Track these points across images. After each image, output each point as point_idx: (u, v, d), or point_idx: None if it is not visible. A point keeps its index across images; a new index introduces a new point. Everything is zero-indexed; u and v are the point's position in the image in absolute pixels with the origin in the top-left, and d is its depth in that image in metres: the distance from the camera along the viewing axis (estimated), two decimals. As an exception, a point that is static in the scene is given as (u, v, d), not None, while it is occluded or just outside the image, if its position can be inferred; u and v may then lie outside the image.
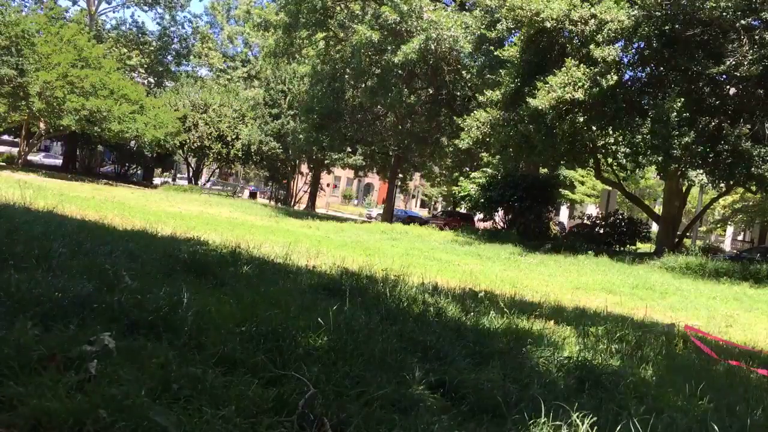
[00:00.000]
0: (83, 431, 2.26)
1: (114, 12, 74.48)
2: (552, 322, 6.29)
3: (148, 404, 2.44)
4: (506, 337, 4.93)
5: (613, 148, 22.99)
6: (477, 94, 25.60)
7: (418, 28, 26.85)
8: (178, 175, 55.53)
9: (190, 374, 2.80)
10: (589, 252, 20.85)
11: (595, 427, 3.04)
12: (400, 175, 44.29)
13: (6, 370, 2.51)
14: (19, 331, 2.86)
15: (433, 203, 71.55)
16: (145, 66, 47.91)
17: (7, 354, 2.63)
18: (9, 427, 2.22)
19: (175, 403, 2.54)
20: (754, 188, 21.48)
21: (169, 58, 49.81)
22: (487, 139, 23.31)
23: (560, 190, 35.55)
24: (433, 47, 26.51)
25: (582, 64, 18.94)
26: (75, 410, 2.30)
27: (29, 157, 39.12)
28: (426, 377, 3.44)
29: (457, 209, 40.24)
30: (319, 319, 4.13)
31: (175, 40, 49.46)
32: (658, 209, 28.21)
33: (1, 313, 3.18)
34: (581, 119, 19.56)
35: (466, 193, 30.23)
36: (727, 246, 45.20)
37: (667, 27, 18.77)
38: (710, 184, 20.88)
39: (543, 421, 3.03)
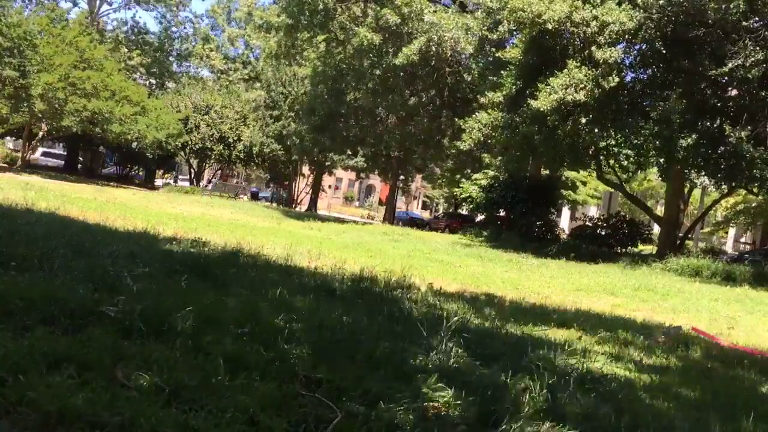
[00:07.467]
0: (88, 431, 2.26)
1: (115, 12, 74.60)
2: (553, 324, 6.29)
3: (153, 405, 2.44)
4: (508, 338, 4.93)
5: (615, 149, 22.95)
6: (478, 96, 25.58)
7: (419, 30, 26.83)
8: (180, 177, 55.50)
9: (193, 375, 2.80)
10: (590, 254, 20.79)
11: (598, 429, 3.03)
12: (402, 177, 44.26)
13: (17, 371, 2.53)
14: (31, 334, 2.90)
15: (434, 205, 71.45)
16: (146, 66, 47.91)
17: (19, 356, 2.65)
18: (21, 425, 2.24)
19: (179, 404, 2.54)
20: (755, 190, 21.44)
21: (171, 58, 49.80)
22: (489, 141, 23.31)
23: (562, 191, 35.51)
24: (434, 49, 26.49)
25: (584, 66, 18.92)
26: (83, 411, 2.31)
27: (31, 158, 39.13)
28: (428, 378, 3.44)
29: (459, 211, 40.25)
30: (320, 319, 4.13)
31: (177, 40, 49.45)
32: (659, 211, 28.17)
33: (3, 315, 3.18)
34: (583, 121, 19.54)
35: (467, 195, 30.21)
36: (729, 248, 45.08)
37: (669, 29, 18.76)
38: (712, 186, 20.86)
39: (545, 422, 3.03)
